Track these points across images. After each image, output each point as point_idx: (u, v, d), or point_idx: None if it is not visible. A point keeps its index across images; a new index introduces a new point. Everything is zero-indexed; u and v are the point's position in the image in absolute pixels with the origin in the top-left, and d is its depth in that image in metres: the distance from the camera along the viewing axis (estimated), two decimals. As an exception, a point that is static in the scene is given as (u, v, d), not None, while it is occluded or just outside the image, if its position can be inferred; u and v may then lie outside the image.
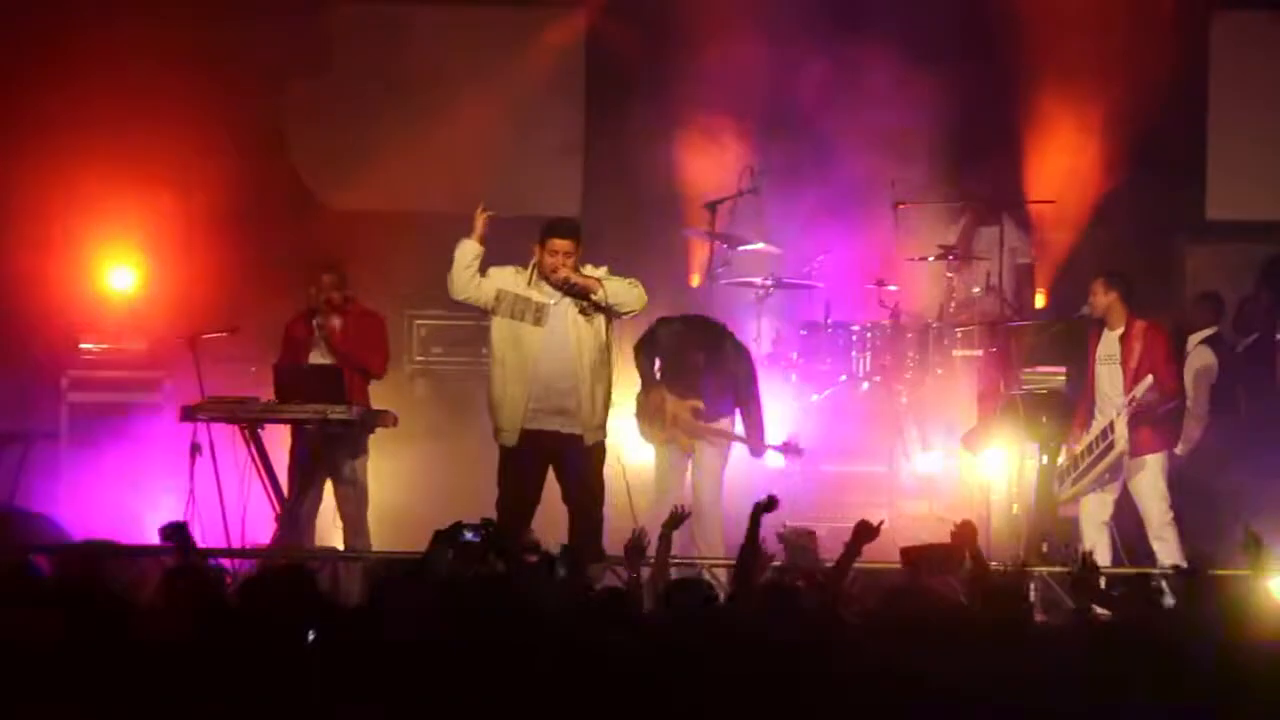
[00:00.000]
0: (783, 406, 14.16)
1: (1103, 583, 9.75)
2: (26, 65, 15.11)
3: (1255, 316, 15.09)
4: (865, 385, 14.49)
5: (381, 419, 12.45)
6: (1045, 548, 12.66)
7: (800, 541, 10.61)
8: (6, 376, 14.88)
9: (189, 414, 12.36)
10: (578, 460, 11.39)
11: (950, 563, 9.34)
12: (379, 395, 12.79)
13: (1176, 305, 15.57)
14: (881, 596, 7.77)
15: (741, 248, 14.60)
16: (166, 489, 13.00)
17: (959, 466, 13.96)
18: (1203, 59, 16.23)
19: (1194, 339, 14.21)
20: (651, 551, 9.88)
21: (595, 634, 7.27)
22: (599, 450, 11.50)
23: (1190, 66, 16.10)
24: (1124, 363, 12.41)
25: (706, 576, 11.38)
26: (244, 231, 15.03)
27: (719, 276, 14.51)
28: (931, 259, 14.75)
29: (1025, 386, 13.80)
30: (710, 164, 15.30)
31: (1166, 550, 12.16)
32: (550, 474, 11.51)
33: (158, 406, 14.33)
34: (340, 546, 12.59)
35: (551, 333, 11.34)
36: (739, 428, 12.81)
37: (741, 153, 15.09)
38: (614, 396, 11.70)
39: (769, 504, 9.52)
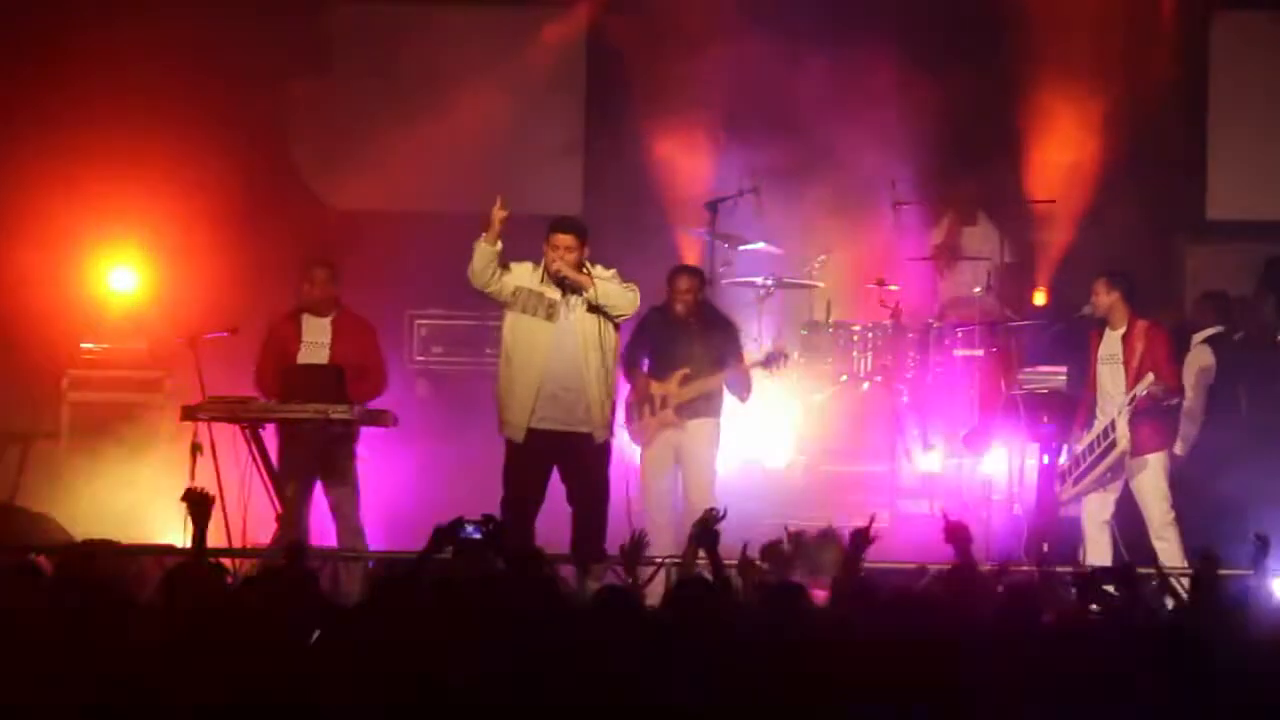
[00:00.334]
0: (783, 406, 14.17)
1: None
2: (27, 65, 15.12)
3: (1256, 317, 15.08)
4: (866, 385, 14.50)
5: (381, 418, 12.44)
6: (1046, 547, 12.67)
7: (816, 547, 10.27)
8: (7, 376, 14.88)
9: (190, 414, 12.35)
10: (585, 458, 11.41)
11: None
12: (380, 395, 12.77)
13: (1177, 305, 15.57)
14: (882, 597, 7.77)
15: (742, 247, 14.60)
16: (167, 489, 12.98)
17: (959, 466, 13.96)
18: (1203, 59, 16.23)
19: (1196, 338, 14.20)
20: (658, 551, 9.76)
21: (596, 633, 7.27)
22: (606, 448, 11.52)
23: (1190, 66, 16.10)
24: (1126, 362, 12.42)
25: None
26: (245, 231, 15.03)
27: (720, 276, 14.51)
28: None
29: (1026, 386, 13.80)
30: (711, 163, 15.30)
31: (1168, 550, 12.16)
32: (553, 475, 11.52)
33: (158, 406, 14.33)
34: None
35: (561, 329, 11.41)
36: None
37: (742, 152, 15.09)
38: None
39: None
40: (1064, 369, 13.91)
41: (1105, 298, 12.52)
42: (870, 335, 14.50)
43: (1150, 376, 12.25)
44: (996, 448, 13.57)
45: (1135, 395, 12.28)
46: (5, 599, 7.65)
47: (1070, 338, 13.45)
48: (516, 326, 11.48)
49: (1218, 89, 16.29)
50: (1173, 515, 12.34)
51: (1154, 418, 12.42)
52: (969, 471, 13.90)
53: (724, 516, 9.51)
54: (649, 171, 15.63)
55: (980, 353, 14.31)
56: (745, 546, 9.27)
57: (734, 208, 14.64)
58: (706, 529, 9.32)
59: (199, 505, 9.35)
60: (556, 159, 16.22)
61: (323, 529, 12.57)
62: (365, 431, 12.50)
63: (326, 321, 12.66)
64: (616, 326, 11.60)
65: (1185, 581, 10.27)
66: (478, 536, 8.95)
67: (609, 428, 11.53)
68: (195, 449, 12.27)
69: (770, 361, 13.01)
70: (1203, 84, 16.25)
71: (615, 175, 15.83)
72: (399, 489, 13.24)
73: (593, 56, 16.35)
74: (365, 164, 15.76)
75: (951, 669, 6.92)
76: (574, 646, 7.09)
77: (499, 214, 11.35)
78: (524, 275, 11.49)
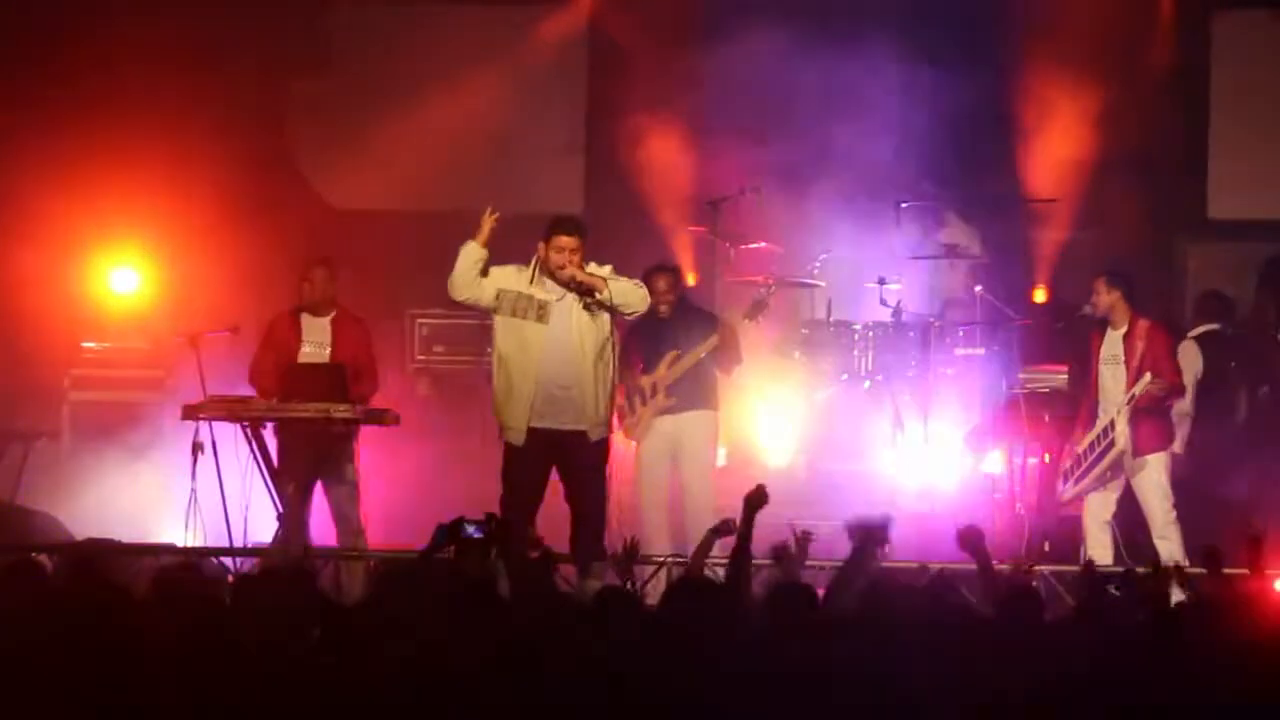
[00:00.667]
0: (784, 406, 14.17)
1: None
2: (28, 66, 15.12)
3: (1257, 315, 15.08)
4: (867, 384, 14.48)
5: (382, 417, 12.43)
6: (1047, 546, 12.68)
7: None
8: (9, 375, 14.89)
9: (191, 413, 12.35)
10: (584, 457, 11.38)
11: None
12: (381, 394, 12.78)
13: (1178, 305, 15.57)
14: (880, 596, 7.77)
15: (743, 246, 14.60)
16: (168, 488, 13.00)
17: (960, 465, 13.95)
18: (1203, 58, 16.23)
19: (1189, 335, 14.20)
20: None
21: (597, 633, 7.28)
22: (604, 446, 11.50)
23: (1190, 65, 16.09)
24: (1127, 361, 12.42)
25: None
26: (245, 230, 15.02)
27: (720, 275, 14.50)
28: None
29: (1027, 385, 13.80)
30: (712, 161, 15.30)
31: (1170, 549, 12.16)
32: (553, 474, 11.51)
33: (159, 405, 14.33)
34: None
35: (554, 330, 11.33)
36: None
37: (743, 150, 15.08)
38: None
39: (759, 497, 9.37)
40: (1064, 368, 13.91)
41: (1105, 297, 12.52)
42: (871, 334, 14.49)
43: (1148, 376, 12.25)
44: (997, 447, 13.56)
45: (1133, 395, 12.28)
46: (6, 598, 7.66)
47: (1072, 337, 13.45)
48: (507, 330, 11.38)
49: (1219, 87, 16.28)
50: (1174, 515, 12.34)
51: (1154, 417, 12.42)
52: (969, 471, 13.91)
53: (732, 530, 9.48)
54: (650, 170, 15.62)
55: (982, 351, 14.31)
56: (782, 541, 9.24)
57: (735, 206, 14.64)
58: (755, 504, 9.32)
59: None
60: (557, 157, 16.22)
61: (323, 529, 12.58)
62: (365, 430, 12.50)
63: (326, 321, 12.67)
64: (617, 323, 11.55)
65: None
66: (479, 536, 8.94)
67: (607, 425, 11.51)
68: (197, 448, 12.28)
69: (754, 311, 13.00)
70: (1204, 82, 16.25)
71: (616, 173, 15.82)
72: (399, 488, 13.23)
73: (594, 55, 16.35)
74: (366, 163, 15.77)
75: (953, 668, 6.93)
76: (574, 646, 7.09)
77: (489, 218, 11.30)
78: (508, 278, 11.35)
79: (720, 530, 9.65)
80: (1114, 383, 12.47)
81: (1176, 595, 10.08)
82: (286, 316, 12.70)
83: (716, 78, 15.39)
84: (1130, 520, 12.51)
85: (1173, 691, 6.90)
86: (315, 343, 12.62)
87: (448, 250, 11.43)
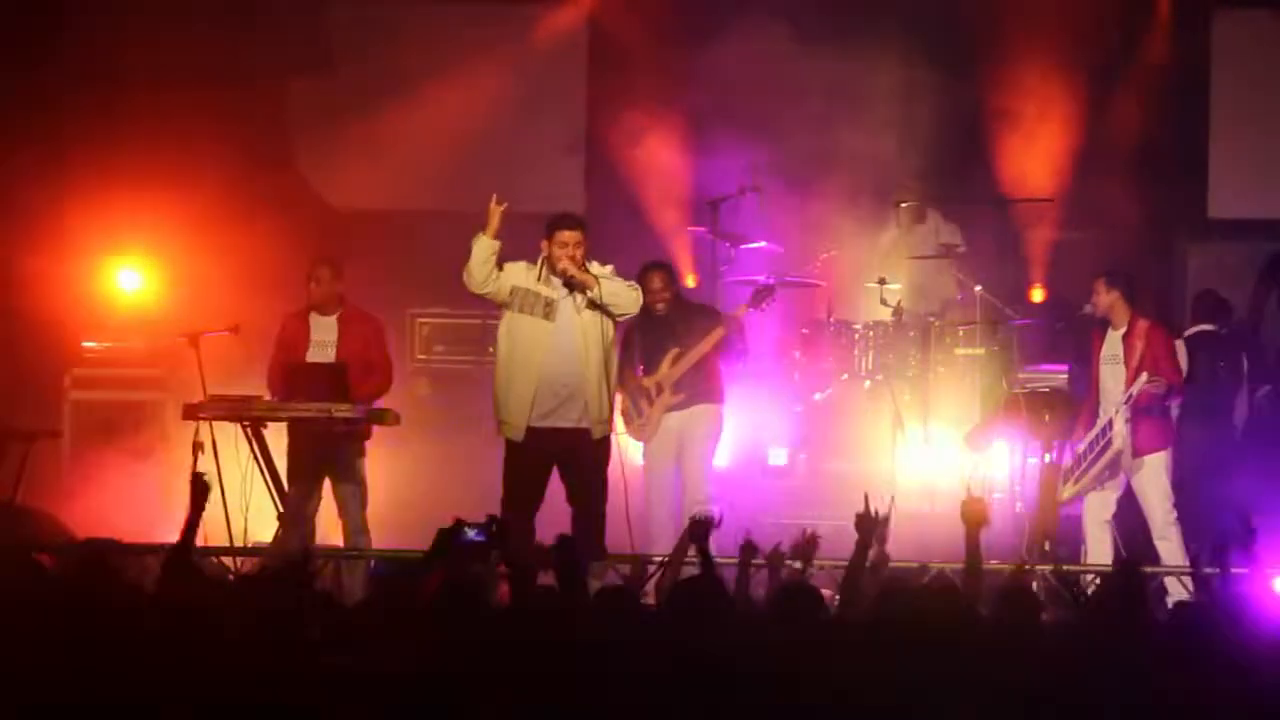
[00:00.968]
0: (784, 405, 14.17)
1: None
2: (29, 67, 15.12)
3: (1257, 315, 15.09)
4: (867, 384, 14.49)
5: (383, 417, 12.44)
6: (1048, 546, 12.68)
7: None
8: (10, 374, 14.89)
9: (191, 412, 12.36)
10: (585, 455, 11.40)
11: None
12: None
13: (1178, 305, 15.57)
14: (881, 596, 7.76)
15: (743, 245, 14.60)
16: (169, 487, 13.00)
17: (961, 465, 13.95)
18: (1204, 57, 16.23)
19: (1183, 335, 14.20)
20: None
21: (597, 633, 7.28)
22: (605, 445, 11.52)
23: (1190, 65, 16.10)
24: (1127, 361, 12.43)
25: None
26: (247, 231, 15.03)
27: (721, 275, 14.51)
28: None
29: (1027, 384, 13.81)
30: (712, 161, 15.31)
31: (1170, 550, 12.18)
32: (553, 473, 11.52)
33: (160, 405, 14.34)
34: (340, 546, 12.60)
35: (559, 328, 11.38)
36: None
37: (744, 149, 15.09)
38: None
39: (705, 526, 9.08)
40: (1065, 367, 13.91)
41: (1105, 297, 12.53)
42: (871, 334, 14.50)
43: (1145, 376, 12.26)
44: (997, 446, 13.57)
45: (1131, 395, 12.29)
46: (7, 597, 7.66)
47: (1073, 337, 13.46)
48: (514, 326, 11.45)
49: (1219, 87, 16.28)
50: (1175, 515, 12.35)
51: (1154, 418, 12.43)
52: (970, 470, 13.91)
53: (719, 522, 9.40)
54: (650, 169, 15.63)
55: (982, 351, 14.32)
56: (778, 545, 9.18)
57: (735, 206, 14.65)
58: (698, 529, 9.15)
59: (200, 489, 9.17)
60: (558, 156, 16.22)
61: (328, 529, 12.60)
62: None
63: (332, 319, 12.68)
64: (616, 323, 11.58)
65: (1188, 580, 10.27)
66: (481, 539, 8.91)
67: (608, 424, 11.53)
68: (197, 447, 12.28)
69: (757, 299, 12.98)
70: (1204, 82, 16.25)
71: (616, 173, 15.83)
72: (399, 488, 13.24)
73: (594, 53, 16.35)
74: (367, 162, 15.77)
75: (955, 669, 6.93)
76: (575, 646, 7.10)
77: (496, 208, 11.34)
78: (519, 274, 11.45)
79: (694, 534, 9.31)
80: (1114, 383, 12.49)
81: (1179, 595, 10.10)
82: (295, 317, 12.72)
83: (716, 77, 15.40)
84: (1130, 520, 12.51)
85: (1177, 691, 6.91)
86: (322, 342, 12.63)
87: (449, 250, 11.46)
